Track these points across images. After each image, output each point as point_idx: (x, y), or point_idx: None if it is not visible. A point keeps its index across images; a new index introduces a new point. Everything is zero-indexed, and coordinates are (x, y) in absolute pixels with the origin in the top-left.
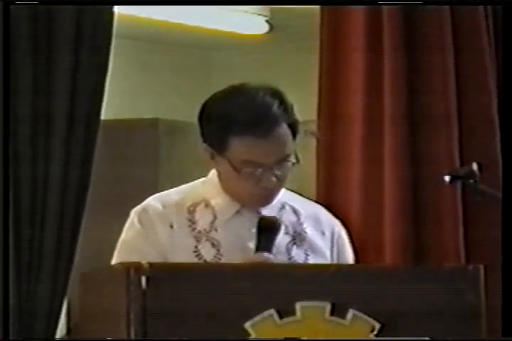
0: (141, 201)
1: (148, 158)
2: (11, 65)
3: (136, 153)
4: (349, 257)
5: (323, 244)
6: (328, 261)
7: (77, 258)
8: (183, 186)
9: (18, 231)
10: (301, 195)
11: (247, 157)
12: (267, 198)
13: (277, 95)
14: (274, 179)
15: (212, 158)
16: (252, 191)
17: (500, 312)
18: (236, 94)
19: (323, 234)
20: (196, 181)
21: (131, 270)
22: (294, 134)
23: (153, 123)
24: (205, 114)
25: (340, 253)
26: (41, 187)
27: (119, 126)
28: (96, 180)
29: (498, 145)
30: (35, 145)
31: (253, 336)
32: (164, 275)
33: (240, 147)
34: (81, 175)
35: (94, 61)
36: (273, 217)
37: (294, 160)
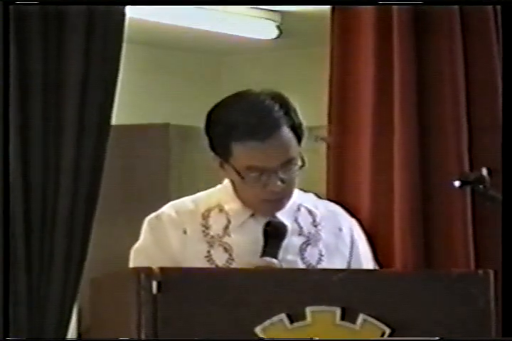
0: (152, 206)
1: (159, 163)
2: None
3: (147, 157)
4: (367, 252)
5: (340, 242)
6: (345, 260)
7: (87, 263)
8: (200, 193)
9: (29, 236)
10: (318, 195)
11: (250, 162)
12: (278, 204)
13: (278, 99)
14: (280, 183)
15: (221, 166)
16: (260, 197)
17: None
18: (237, 100)
19: (340, 230)
20: (213, 188)
21: (142, 275)
22: (299, 137)
23: (164, 128)
24: (210, 122)
25: (360, 249)
26: (51, 192)
27: (130, 130)
28: (106, 185)
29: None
30: (46, 150)
31: None
32: (175, 280)
33: (242, 153)
34: (92, 181)
35: (105, 66)
36: (280, 222)
37: (300, 163)
